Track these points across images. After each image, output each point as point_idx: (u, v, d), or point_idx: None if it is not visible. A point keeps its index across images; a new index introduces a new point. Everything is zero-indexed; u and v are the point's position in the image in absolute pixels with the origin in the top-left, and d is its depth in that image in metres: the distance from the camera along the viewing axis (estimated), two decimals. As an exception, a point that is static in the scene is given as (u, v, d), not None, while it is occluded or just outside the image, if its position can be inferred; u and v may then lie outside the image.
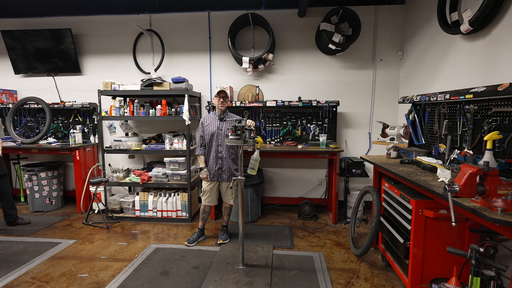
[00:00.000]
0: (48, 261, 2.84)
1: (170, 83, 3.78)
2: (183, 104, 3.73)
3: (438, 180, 2.04)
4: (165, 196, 3.86)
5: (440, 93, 2.42)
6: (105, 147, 4.05)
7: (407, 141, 3.32)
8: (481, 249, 1.56)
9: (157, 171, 3.89)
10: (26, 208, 4.37)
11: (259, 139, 2.65)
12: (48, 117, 4.23)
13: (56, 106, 4.39)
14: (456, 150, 2.42)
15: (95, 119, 4.53)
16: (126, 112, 3.95)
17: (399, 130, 3.47)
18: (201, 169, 3.16)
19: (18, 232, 3.49)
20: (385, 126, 3.67)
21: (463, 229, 2.08)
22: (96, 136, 4.51)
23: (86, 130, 4.58)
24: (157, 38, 4.30)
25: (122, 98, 4.01)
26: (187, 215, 3.84)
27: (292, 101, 3.98)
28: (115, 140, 3.94)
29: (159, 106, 3.86)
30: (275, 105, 3.99)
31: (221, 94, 3.05)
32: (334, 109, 4.09)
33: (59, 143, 4.25)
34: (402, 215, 2.34)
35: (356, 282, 2.51)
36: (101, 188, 4.02)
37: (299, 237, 3.39)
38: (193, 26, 4.31)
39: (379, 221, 2.67)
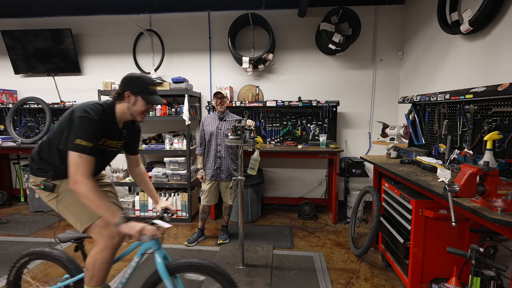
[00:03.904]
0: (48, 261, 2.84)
1: (170, 83, 3.78)
2: (183, 104, 3.72)
3: (438, 180, 2.04)
4: (165, 196, 3.86)
5: (440, 93, 2.42)
6: (105, 147, 4.04)
7: (407, 141, 3.32)
8: (481, 249, 1.56)
9: (157, 171, 3.89)
10: (26, 208, 4.37)
11: (259, 139, 2.65)
12: (48, 117, 4.23)
13: (56, 106, 4.39)
14: (456, 150, 2.42)
15: (95, 119, 4.52)
16: (126, 112, 3.94)
17: (399, 130, 3.47)
18: (198, 169, 3.18)
19: (18, 232, 3.49)
20: (385, 126, 3.67)
21: (463, 229, 2.08)
22: (96, 136, 4.50)
23: (86, 130, 4.57)
24: (157, 38, 4.30)
25: (122, 98, 4.00)
26: (187, 215, 3.84)
27: (292, 101, 3.98)
28: (115, 140, 3.93)
29: (159, 106, 3.86)
30: (275, 105, 3.99)
31: (218, 95, 3.07)
32: (334, 109, 4.08)
33: (59, 143, 4.25)
34: (402, 215, 2.34)
35: (356, 282, 2.51)
36: (101, 188, 4.01)
37: (299, 237, 3.39)
38: (193, 26, 4.31)
39: (379, 221, 2.67)
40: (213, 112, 3.24)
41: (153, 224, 1.53)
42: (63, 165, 1.54)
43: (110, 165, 4.24)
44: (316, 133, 4.17)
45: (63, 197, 1.66)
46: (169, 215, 1.73)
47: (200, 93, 4.35)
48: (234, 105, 4.05)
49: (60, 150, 1.58)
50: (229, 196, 3.20)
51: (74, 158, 1.44)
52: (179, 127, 4.40)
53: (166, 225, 1.55)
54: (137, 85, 1.61)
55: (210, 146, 3.14)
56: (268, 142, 4.29)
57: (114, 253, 1.66)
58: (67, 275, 1.81)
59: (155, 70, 4.30)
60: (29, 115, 4.62)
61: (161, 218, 1.64)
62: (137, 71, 4.41)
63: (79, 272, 1.72)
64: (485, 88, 1.92)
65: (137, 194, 3.90)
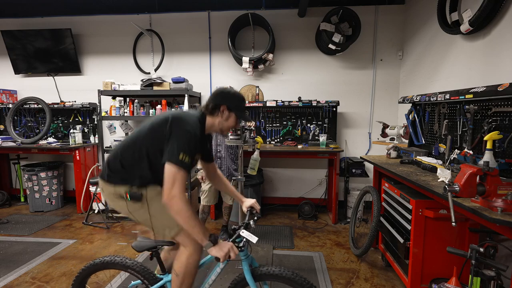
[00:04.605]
0: (48, 261, 2.84)
1: (170, 83, 3.78)
2: (183, 104, 3.73)
3: (438, 180, 2.04)
4: (165, 196, 3.86)
5: (440, 93, 2.42)
6: (105, 147, 4.05)
7: (407, 141, 3.32)
8: (481, 249, 1.55)
9: (157, 171, 3.89)
10: (26, 208, 4.37)
11: (259, 139, 2.65)
12: (48, 117, 4.23)
13: (56, 106, 4.39)
14: (456, 150, 2.42)
15: (95, 119, 4.53)
16: (126, 112, 3.95)
17: (399, 130, 3.47)
18: (198, 169, 3.18)
19: (18, 232, 3.49)
20: (385, 126, 3.67)
21: (463, 229, 2.08)
22: (96, 136, 4.51)
23: (86, 130, 4.58)
24: (157, 38, 4.30)
25: (122, 98, 4.01)
26: (187, 215, 3.83)
27: (292, 101, 3.98)
28: (115, 140, 3.94)
29: (159, 106, 3.86)
30: (275, 105, 4.00)
31: None
32: (334, 109, 4.09)
33: (59, 143, 4.25)
34: (402, 215, 2.34)
35: (356, 282, 2.51)
36: (101, 188, 4.01)
37: (299, 237, 3.39)
38: (193, 26, 4.31)
39: (379, 221, 2.66)
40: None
41: (240, 236, 1.50)
42: (151, 172, 1.47)
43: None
44: (316, 133, 4.17)
45: (151, 206, 1.57)
46: (255, 218, 1.66)
47: (200, 93, 4.35)
48: (234, 105, 4.05)
49: (149, 158, 1.52)
50: (229, 196, 3.20)
51: (173, 172, 1.37)
52: (179, 127, 4.40)
53: (254, 239, 1.49)
54: (233, 100, 1.60)
55: (210, 147, 3.14)
56: (268, 142, 4.29)
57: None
58: (135, 282, 1.75)
59: (155, 70, 4.30)
60: (29, 115, 4.62)
61: (247, 226, 1.56)
62: (137, 71, 4.43)
63: (155, 281, 1.64)
64: (485, 88, 1.92)
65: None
